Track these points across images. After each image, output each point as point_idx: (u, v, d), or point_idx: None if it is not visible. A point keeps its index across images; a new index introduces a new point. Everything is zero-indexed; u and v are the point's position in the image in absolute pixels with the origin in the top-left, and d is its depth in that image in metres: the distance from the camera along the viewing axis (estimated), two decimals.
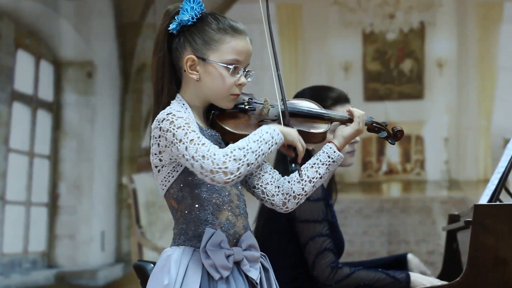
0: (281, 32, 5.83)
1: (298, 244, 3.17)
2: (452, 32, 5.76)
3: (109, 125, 6.02)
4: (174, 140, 2.26)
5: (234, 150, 2.23)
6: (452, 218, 3.49)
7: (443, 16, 5.75)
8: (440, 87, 5.74)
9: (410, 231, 5.66)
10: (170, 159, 2.33)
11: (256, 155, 2.24)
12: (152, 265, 2.54)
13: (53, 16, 5.97)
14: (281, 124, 2.41)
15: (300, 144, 2.36)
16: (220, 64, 2.37)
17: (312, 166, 2.45)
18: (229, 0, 5.89)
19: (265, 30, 2.44)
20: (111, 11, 6.04)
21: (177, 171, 2.35)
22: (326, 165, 2.45)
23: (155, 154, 2.35)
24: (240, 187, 2.45)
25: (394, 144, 2.63)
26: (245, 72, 2.41)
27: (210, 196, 2.36)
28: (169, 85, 2.41)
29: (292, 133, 2.35)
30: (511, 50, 5.67)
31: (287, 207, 2.46)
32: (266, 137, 2.28)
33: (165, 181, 2.37)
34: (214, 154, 2.21)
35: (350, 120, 2.54)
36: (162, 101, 2.40)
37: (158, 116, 2.32)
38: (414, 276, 3.13)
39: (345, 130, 2.51)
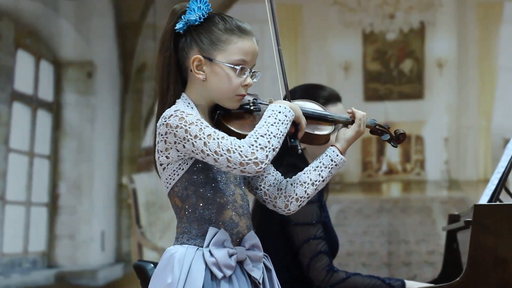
0: (281, 32, 5.78)
1: (293, 246, 3.16)
2: (452, 32, 5.76)
3: (109, 125, 6.02)
4: (187, 136, 2.27)
5: (258, 138, 2.25)
6: (452, 218, 3.49)
7: (443, 16, 5.75)
8: (440, 87, 5.74)
9: (410, 231, 5.66)
10: (178, 156, 2.33)
11: (278, 138, 2.27)
12: (152, 265, 2.55)
13: (53, 16, 5.97)
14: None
15: (304, 121, 2.38)
16: (227, 64, 2.37)
17: (315, 169, 2.45)
18: (229, 0, 5.88)
19: (267, 6, 2.45)
20: (111, 11, 6.04)
21: (183, 169, 2.35)
22: (329, 168, 2.46)
23: (161, 151, 2.34)
24: (243, 187, 2.46)
25: (396, 147, 2.63)
26: (251, 73, 2.41)
27: (214, 195, 2.36)
28: (175, 84, 2.41)
29: (298, 108, 2.37)
30: (511, 50, 5.67)
31: (289, 209, 2.47)
32: (281, 117, 2.30)
33: (170, 179, 2.37)
34: (240, 147, 2.23)
35: (353, 122, 2.53)
36: (167, 100, 2.39)
37: (164, 113, 2.32)
38: (409, 284, 3.13)
39: (346, 133, 2.51)
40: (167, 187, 2.39)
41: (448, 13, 5.75)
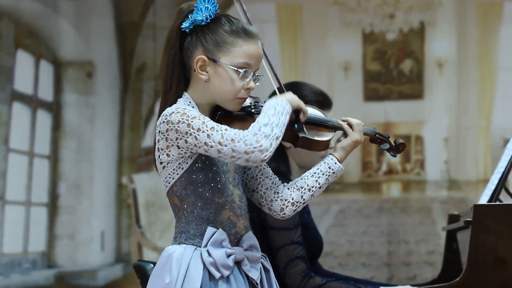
0: (281, 32, 5.82)
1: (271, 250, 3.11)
2: (452, 32, 5.76)
3: (109, 125, 6.02)
4: (190, 130, 2.27)
5: (261, 127, 2.25)
6: (452, 218, 3.48)
7: (443, 16, 5.75)
8: (440, 87, 5.74)
9: (410, 231, 5.66)
10: (179, 153, 2.33)
11: (279, 127, 2.28)
12: (152, 265, 2.55)
13: (53, 16, 5.97)
14: None
15: (303, 105, 2.40)
16: (231, 67, 2.37)
17: (312, 175, 2.46)
18: (228, 0, 5.88)
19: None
20: (111, 11, 6.04)
21: (182, 168, 2.35)
22: (326, 175, 2.47)
23: (162, 149, 2.34)
24: (241, 188, 2.46)
25: (395, 156, 2.62)
26: (254, 77, 2.41)
27: (213, 195, 2.36)
28: (178, 83, 2.41)
29: (294, 97, 2.39)
30: (511, 50, 5.67)
31: (284, 213, 2.47)
32: (280, 109, 2.30)
33: (169, 178, 2.37)
34: (244, 136, 2.24)
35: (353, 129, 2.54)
36: (169, 99, 2.40)
37: (165, 111, 2.33)
38: None
39: (344, 142, 2.52)
40: (166, 186, 2.39)
41: (448, 13, 5.75)
